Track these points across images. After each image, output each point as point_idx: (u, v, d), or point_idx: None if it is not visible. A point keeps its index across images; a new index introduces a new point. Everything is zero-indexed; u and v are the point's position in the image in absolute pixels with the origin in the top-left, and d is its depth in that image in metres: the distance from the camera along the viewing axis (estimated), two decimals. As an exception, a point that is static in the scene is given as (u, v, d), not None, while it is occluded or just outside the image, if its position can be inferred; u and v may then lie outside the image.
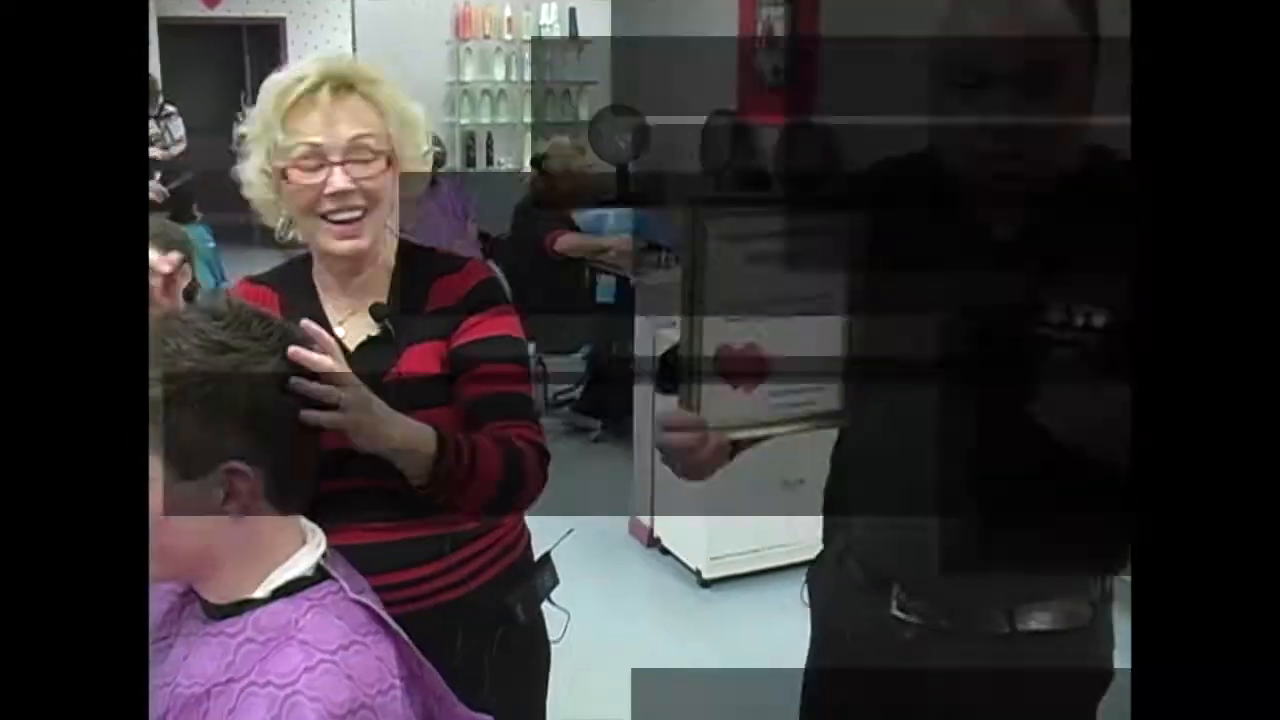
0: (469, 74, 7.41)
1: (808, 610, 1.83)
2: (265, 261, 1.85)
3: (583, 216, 6.36)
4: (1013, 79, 1.40)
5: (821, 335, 1.53)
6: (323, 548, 1.33)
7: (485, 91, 7.55)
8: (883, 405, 1.56)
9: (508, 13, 7.45)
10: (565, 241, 5.54)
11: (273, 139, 1.58)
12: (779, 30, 6.43)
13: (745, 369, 1.48)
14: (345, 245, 1.60)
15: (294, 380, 1.29)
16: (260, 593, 1.26)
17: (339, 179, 1.57)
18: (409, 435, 1.47)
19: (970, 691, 1.59)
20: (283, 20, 9.84)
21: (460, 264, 1.73)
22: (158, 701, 1.23)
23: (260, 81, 1.64)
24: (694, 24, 7.30)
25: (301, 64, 1.61)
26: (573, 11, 7.62)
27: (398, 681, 1.25)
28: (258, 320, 1.28)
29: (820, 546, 1.84)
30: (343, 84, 1.59)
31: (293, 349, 1.29)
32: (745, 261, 1.45)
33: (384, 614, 1.30)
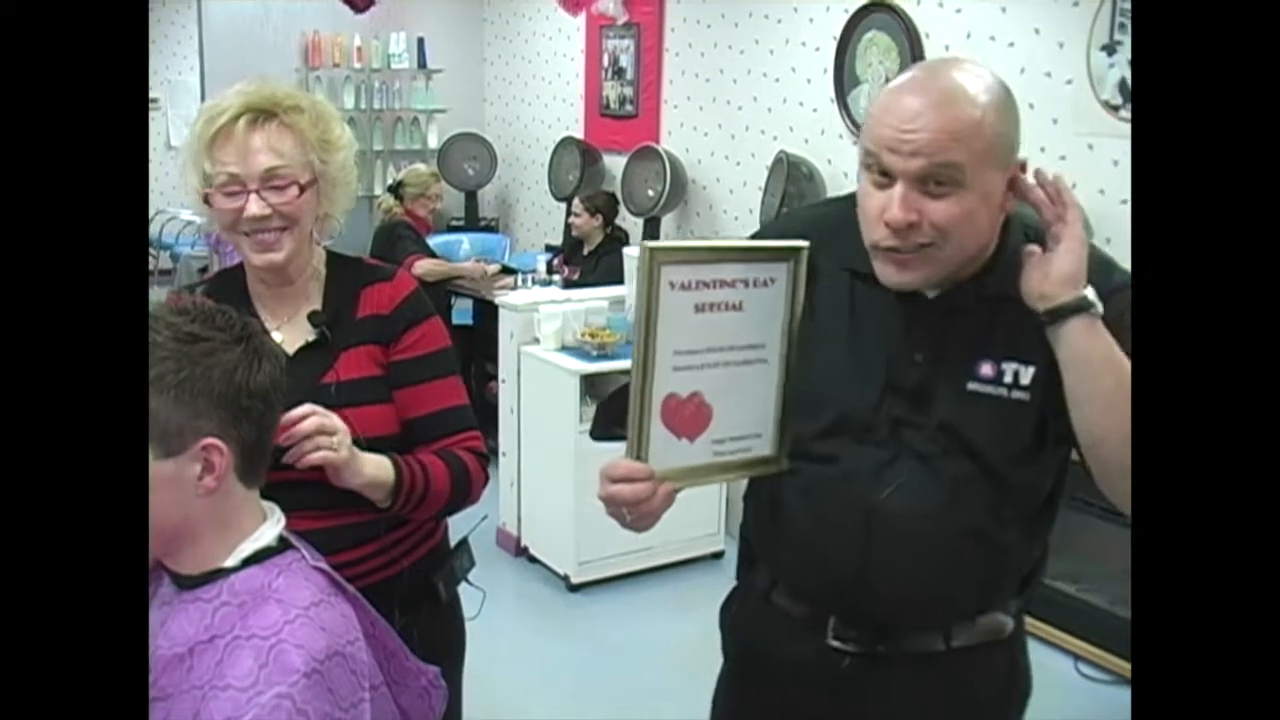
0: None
1: (672, 608, 1.87)
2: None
3: (438, 241, 6.50)
4: (921, 179, 1.41)
5: (760, 384, 1.57)
6: (283, 522, 1.48)
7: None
8: (822, 452, 1.58)
9: (357, 42, 7.48)
10: (421, 266, 5.67)
11: (199, 165, 1.73)
12: (624, 61, 6.67)
13: (691, 419, 1.51)
14: (262, 259, 1.77)
15: (304, 425, 1.61)
16: (231, 561, 1.41)
17: (254, 205, 1.73)
18: (375, 472, 1.72)
19: (911, 711, 1.63)
20: (118, 46, 9.67)
21: (388, 273, 1.91)
22: (140, 663, 1.36)
23: None
24: (541, 54, 7.50)
25: (227, 94, 1.75)
26: (421, 41, 7.72)
27: (359, 635, 1.41)
28: (220, 314, 1.43)
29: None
30: (262, 113, 1.73)
31: (312, 414, 1.62)
32: (693, 311, 1.48)
33: (340, 579, 1.46)
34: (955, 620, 1.61)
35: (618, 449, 1.50)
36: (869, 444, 1.55)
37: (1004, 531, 1.56)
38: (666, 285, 1.44)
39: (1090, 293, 1.43)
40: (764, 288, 1.54)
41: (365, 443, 1.75)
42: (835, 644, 1.61)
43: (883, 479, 1.54)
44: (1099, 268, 1.50)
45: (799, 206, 1.79)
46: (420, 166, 6.37)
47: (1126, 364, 1.38)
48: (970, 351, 1.52)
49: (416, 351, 1.85)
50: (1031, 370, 1.50)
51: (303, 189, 1.76)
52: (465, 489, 1.84)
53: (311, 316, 1.81)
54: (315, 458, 1.63)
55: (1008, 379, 1.51)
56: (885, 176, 1.44)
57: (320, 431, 1.64)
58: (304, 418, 1.62)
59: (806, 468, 1.60)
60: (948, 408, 1.52)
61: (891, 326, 1.55)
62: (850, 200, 1.59)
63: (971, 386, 1.52)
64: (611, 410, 1.71)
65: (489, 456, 1.91)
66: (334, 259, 1.87)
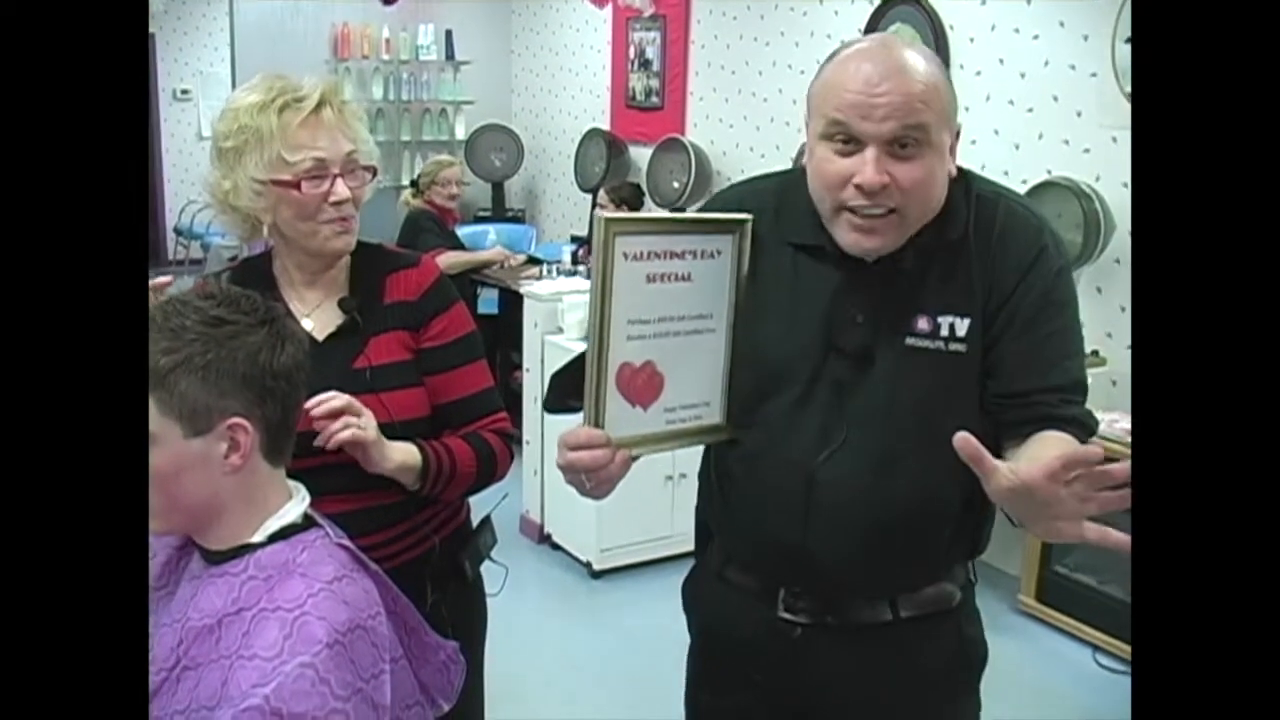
0: (347, 93, 7.38)
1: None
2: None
3: (465, 231, 6.55)
4: (890, 141, 1.47)
5: (709, 353, 1.62)
6: (307, 500, 1.53)
7: (364, 110, 7.65)
8: (764, 419, 1.62)
9: (385, 34, 7.54)
10: (444, 260, 5.67)
11: (273, 152, 1.75)
12: (650, 53, 6.70)
13: (644, 387, 1.56)
14: (341, 243, 1.83)
15: (333, 404, 1.68)
16: (258, 538, 1.45)
17: (341, 188, 1.78)
18: (404, 457, 1.78)
19: (861, 680, 1.67)
20: (151, 36, 9.78)
21: (413, 260, 1.95)
22: (171, 635, 1.41)
23: None
24: (568, 46, 7.54)
25: (286, 82, 1.79)
26: (449, 33, 7.77)
27: (380, 610, 1.45)
28: (245, 298, 1.48)
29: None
30: (333, 103, 1.79)
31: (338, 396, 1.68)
32: (645, 281, 1.53)
33: (362, 556, 1.51)
34: (900, 590, 1.65)
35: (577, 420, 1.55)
36: (810, 408, 1.58)
37: (941, 497, 1.59)
38: (620, 256, 1.49)
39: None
40: (710, 259, 1.59)
41: (399, 426, 1.80)
42: (785, 616, 1.66)
43: (822, 443, 1.57)
44: (1028, 233, 1.58)
45: (734, 183, 1.81)
46: (442, 157, 6.36)
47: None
48: (908, 308, 1.55)
49: (445, 339, 1.90)
50: (967, 322, 1.54)
51: (372, 174, 1.85)
52: (490, 468, 1.90)
53: (342, 303, 1.86)
54: (345, 435, 1.67)
55: (944, 332, 1.55)
56: (849, 144, 1.49)
57: (348, 411, 1.69)
58: (331, 399, 1.68)
59: (750, 436, 1.64)
60: (887, 365, 1.56)
61: (833, 292, 1.58)
62: (785, 176, 1.68)
63: (909, 342, 1.55)
64: (565, 382, 1.74)
65: (515, 435, 1.95)
66: (357, 246, 1.90)
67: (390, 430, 1.79)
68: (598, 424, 1.52)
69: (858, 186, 1.48)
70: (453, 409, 1.90)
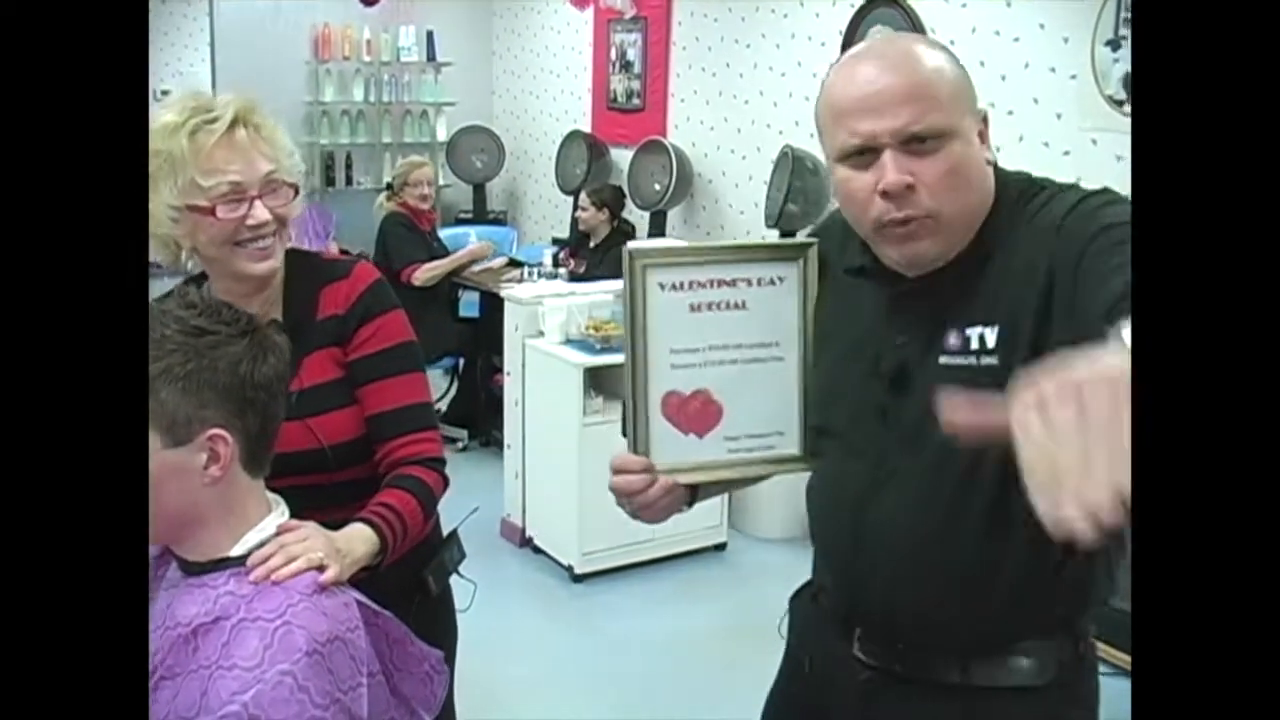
0: (328, 95, 7.47)
1: (675, 599, 1.86)
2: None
3: (445, 233, 6.52)
4: (906, 139, 1.35)
5: (777, 382, 1.57)
6: (286, 513, 1.51)
7: (344, 112, 7.60)
8: (832, 450, 1.57)
9: (366, 35, 7.51)
10: (422, 274, 5.58)
11: (187, 177, 1.68)
12: (631, 55, 6.70)
13: (697, 415, 1.54)
14: (263, 267, 1.76)
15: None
16: (237, 551, 1.44)
17: (260, 212, 1.72)
18: (366, 548, 1.64)
19: None
20: (129, 38, 9.72)
21: (346, 269, 1.87)
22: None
23: None
24: (549, 47, 7.53)
25: (200, 102, 1.72)
26: (430, 34, 7.75)
27: (360, 624, 1.45)
28: (226, 308, 1.47)
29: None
30: (248, 121, 1.73)
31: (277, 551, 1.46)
32: (688, 310, 1.51)
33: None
34: (969, 651, 1.50)
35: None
36: (862, 439, 1.52)
37: (994, 539, 1.42)
38: (655, 286, 1.50)
39: None
40: (771, 286, 1.55)
41: (330, 451, 1.76)
42: (858, 655, 1.58)
43: (872, 475, 1.50)
44: (1061, 194, 1.41)
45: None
46: (414, 159, 6.25)
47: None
48: (940, 323, 1.43)
49: (371, 347, 1.83)
50: (996, 330, 1.38)
51: (295, 191, 1.79)
52: (432, 508, 1.83)
53: (270, 326, 1.80)
54: (294, 567, 1.48)
55: (974, 345, 1.40)
56: (865, 155, 1.37)
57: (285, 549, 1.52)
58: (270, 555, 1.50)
59: (818, 466, 1.61)
60: (923, 389, 1.40)
61: (880, 314, 1.50)
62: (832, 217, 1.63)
63: (943, 360, 1.42)
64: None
65: (445, 460, 1.86)
66: (292, 257, 1.85)
67: (322, 456, 1.75)
68: (641, 451, 1.53)
69: (883, 194, 1.36)
70: (379, 421, 1.81)
